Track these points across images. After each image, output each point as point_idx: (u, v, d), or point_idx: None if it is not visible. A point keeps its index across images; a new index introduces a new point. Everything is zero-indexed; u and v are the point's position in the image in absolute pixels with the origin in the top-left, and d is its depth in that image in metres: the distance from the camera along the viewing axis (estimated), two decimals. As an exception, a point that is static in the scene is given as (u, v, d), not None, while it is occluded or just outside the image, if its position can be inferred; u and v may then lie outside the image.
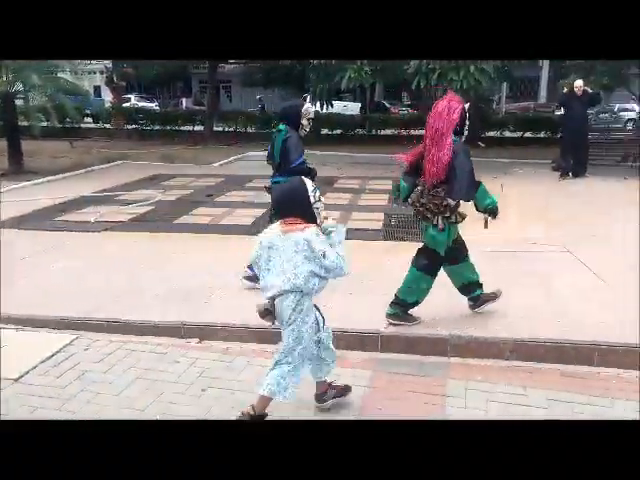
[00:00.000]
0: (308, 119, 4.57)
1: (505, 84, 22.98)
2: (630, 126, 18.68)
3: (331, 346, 3.09)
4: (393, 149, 15.80)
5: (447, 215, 3.78)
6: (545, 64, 26.88)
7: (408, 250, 4.33)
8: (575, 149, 10.68)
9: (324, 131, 18.80)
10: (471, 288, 4.08)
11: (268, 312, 2.86)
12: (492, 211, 3.85)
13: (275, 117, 16.32)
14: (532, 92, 32.05)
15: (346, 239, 2.96)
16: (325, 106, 15.29)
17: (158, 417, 3.18)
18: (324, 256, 2.74)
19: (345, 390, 3.21)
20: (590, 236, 6.28)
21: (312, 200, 2.84)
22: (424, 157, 3.77)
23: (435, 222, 3.79)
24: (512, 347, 3.74)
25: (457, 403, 3.22)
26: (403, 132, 18.31)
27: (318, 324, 2.99)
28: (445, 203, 3.74)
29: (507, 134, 18.24)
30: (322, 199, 2.91)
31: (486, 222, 3.92)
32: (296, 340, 2.86)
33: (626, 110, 22.24)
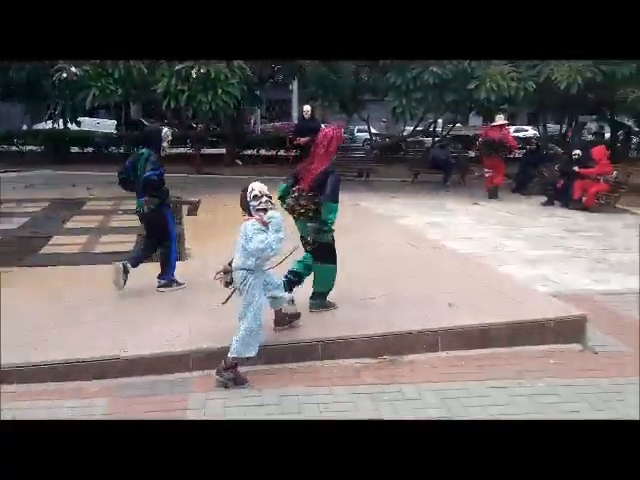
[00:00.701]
0: (168, 141, 5.17)
1: (261, 105, 24.27)
2: (365, 146, 21.28)
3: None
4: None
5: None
6: (294, 87, 29.04)
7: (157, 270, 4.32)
8: None
9: (74, 149, 17.54)
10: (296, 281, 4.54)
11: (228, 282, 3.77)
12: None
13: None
14: (286, 113, 34.44)
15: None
16: (71, 123, 14.31)
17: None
18: (250, 241, 3.55)
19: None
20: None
21: (249, 199, 3.70)
22: (304, 169, 4.46)
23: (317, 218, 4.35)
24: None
25: (196, 415, 3.33)
26: (162, 150, 18.05)
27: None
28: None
29: (263, 152, 19.28)
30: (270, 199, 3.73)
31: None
32: (246, 308, 3.65)
33: (362, 132, 25.28)
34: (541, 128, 18.26)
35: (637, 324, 4.91)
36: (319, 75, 12.50)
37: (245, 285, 3.65)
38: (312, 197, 4.35)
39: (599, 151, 11.22)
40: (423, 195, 12.62)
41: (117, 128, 23.68)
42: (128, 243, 7.01)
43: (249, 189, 3.74)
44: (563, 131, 17.70)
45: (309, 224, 4.36)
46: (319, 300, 4.64)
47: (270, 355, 3.99)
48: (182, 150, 17.84)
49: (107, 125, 24.60)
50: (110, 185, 12.40)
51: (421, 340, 4.19)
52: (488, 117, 18.17)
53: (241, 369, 3.76)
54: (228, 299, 3.84)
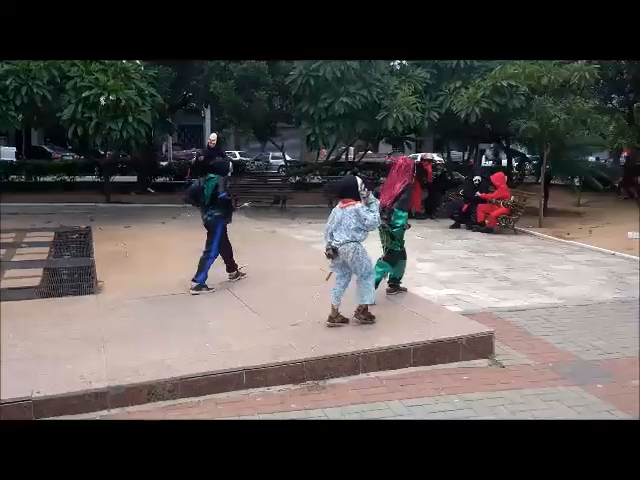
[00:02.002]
0: (231, 171, 6.92)
1: (173, 132, 23.89)
2: (281, 172, 21.52)
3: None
4: (55, 197, 14.94)
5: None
6: (207, 114, 28.91)
7: (64, 305, 4.14)
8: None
9: (-31, 178, 16.40)
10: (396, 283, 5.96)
11: (334, 254, 4.83)
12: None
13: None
14: (198, 140, 34.10)
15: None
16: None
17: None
18: (366, 219, 4.80)
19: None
20: (247, 272, 7.01)
21: (359, 189, 4.84)
22: (387, 190, 5.72)
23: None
24: (171, 387, 3.91)
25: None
26: (67, 179, 17.30)
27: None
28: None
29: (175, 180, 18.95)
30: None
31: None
32: (361, 267, 4.88)
33: (278, 158, 25.56)
34: (446, 155, 19.30)
35: (539, 338, 5.31)
36: (231, 103, 12.56)
37: (357, 253, 4.84)
38: (392, 211, 5.60)
39: (498, 177, 12.08)
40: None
41: (17, 155, 22.44)
42: (34, 278, 6.63)
43: (359, 181, 4.94)
44: (465, 158, 18.81)
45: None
46: (394, 285, 6.08)
47: (192, 387, 3.93)
48: (89, 179, 17.19)
49: (8, 152, 23.19)
50: (9, 216, 11.80)
51: (342, 364, 4.29)
52: (397, 145, 19.05)
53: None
54: (329, 276, 5.13)
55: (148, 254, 8.15)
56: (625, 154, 25.98)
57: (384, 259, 5.94)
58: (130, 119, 10.02)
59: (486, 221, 11.69)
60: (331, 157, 17.36)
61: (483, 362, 4.72)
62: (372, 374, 4.39)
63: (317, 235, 10.65)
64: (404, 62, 12.66)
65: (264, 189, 14.99)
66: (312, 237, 10.45)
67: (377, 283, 5.62)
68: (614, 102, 19.82)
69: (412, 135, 16.60)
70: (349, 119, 12.38)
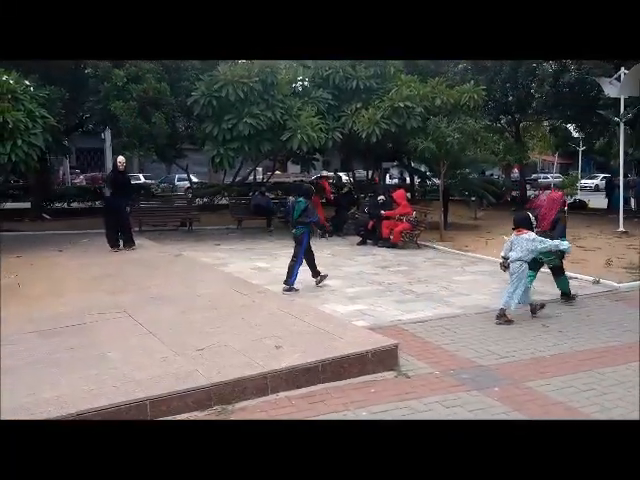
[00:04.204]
0: (314, 194, 8.58)
1: (70, 155, 22.77)
2: (188, 195, 21.10)
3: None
4: None
5: None
6: (107, 136, 27.83)
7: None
8: (118, 221, 10.77)
9: None
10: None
11: (506, 267, 6.47)
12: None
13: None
14: (99, 163, 32.73)
15: None
16: None
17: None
18: (542, 242, 6.37)
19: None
20: (149, 298, 6.77)
21: (531, 222, 6.60)
22: (543, 216, 7.17)
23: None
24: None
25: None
26: None
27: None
28: None
29: (75, 205, 18.04)
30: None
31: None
32: (519, 281, 6.34)
33: (184, 180, 25.03)
34: (351, 174, 19.82)
35: (441, 347, 5.53)
36: (131, 123, 12.19)
37: (522, 269, 6.34)
38: (547, 234, 6.82)
39: (399, 194, 12.56)
40: (247, 241, 12.85)
41: None
42: None
43: (532, 217, 6.65)
44: (370, 176, 19.43)
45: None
46: (566, 297, 7.27)
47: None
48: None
49: None
50: None
51: (250, 386, 4.22)
52: (304, 165, 19.32)
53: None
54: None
55: (42, 284, 7.65)
56: (515, 170, 28.03)
57: (554, 273, 7.31)
58: (19, 142, 9.45)
59: (391, 237, 12.08)
60: (238, 178, 17.26)
61: (390, 374, 4.84)
62: (281, 394, 4.36)
63: (224, 257, 10.56)
64: (306, 84, 12.90)
65: (169, 212, 14.61)
66: (219, 259, 10.32)
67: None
68: (502, 122, 21.36)
69: (317, 155, 16.90)
70: (254, 140, 12.41)
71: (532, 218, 6.63)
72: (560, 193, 7.94)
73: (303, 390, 4.40)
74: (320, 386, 4.51)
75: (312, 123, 12.31)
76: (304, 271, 9.12)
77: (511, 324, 6.28)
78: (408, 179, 21.44)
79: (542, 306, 6.71)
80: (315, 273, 8.09)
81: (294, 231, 7.93)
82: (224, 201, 18.79)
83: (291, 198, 12.29)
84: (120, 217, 10.72)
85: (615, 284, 8.10)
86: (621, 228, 13.35)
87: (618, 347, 5.60)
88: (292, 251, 7.76)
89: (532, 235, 6.40)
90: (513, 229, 6.59)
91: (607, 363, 5.11)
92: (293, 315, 5.88)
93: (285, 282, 7.71)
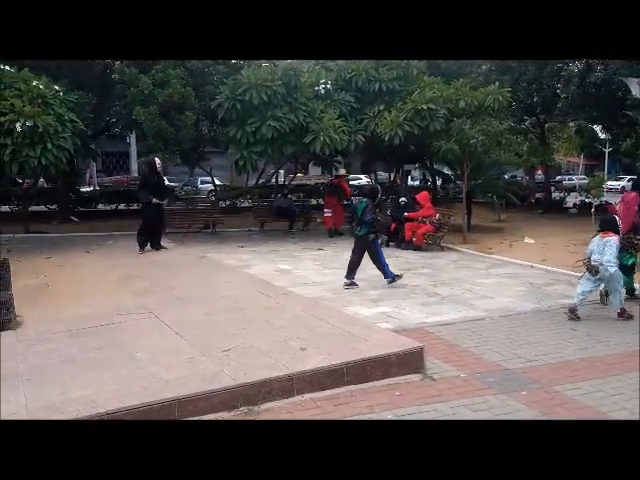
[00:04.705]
0: (380, 194, 8.87)
1: (97, 158, 23.18)
2: (211, 197, 21.31)
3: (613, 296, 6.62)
4: None
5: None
6: (132, 140, 28.29)
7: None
8: (151, 222, 10.99)
9: None
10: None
11: (596, 271, 6.40)
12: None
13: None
14: (124, 166, 33.26)
15: None
16: None
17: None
18: (612, 246, 6.39)
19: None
20: (175, 299, 6.86)
21: (618, 225, 6.66)
22: (625, 222, 7.16)
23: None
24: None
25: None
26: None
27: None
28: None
29: (101, 207, 18.34)
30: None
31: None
32: (615, 282, 6.47)
33: (207, 183, 25.27)
34: (372, 176, 19.79)
35: (467, 350, 5.49)
36: (155, 128, 12.36)
37: (616, 272, 6.42)
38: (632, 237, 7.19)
39: (422, 196, 12.49)
40: (270, 243, 12.91)
41: None
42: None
43: (618, 220, 6.75)
44: (392, 179, 19.39)
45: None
46: (631, 294, 7.43)
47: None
48: (5, 208, 16.29)
49: None
50: None
51: (276, 387, 4.25)
52: (326, 167, 19.35)
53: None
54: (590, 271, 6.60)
55: (71, 285, 7.80)
56: (539, 172, 27.65)
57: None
58: (49, 145, 9.64)
59: (413, 239, 12.02)
60: (260, 180, 17.36)
61: (415, 377, 4.82)
62: (307, 395, 4.37)
63: (247, 259, 10.63)
64: (329, 86, 12.92)
65: (193, 214, 14.75)
66: (242, 261, 10.39)
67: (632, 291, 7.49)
68: (526, 123, 21.10)
69: (339, 157, 16.91)
70: (277, 143, 12.46)
71: (619, 221, 6.72)
72: (634, 194, 8.02)
73: (328, 392, 4.42)
74: (345, 388, 4.51)
75: (335, 125, 12.32)
76: (332, 273, 9.14)
77: (632, 319, 6.53)
78: (430, 181, 21.32)
79: (630, 317, 6.62)
80: (350, 275, 8.19)
81: (357, 231, 8.21)
82: (247, 204, 18.91)
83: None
84: (156, 219, 10.98)
85: (644, 287, 7.94)
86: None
87: (648, 352, 5.49)
88: (314, 253, 7.79)
89: (614, 242, 6.44)
90: (599, 231, 6.73)
91: (636, 367, 5.02)
92: (317, 317, 5.90)
93: (385, 279, 8.18)
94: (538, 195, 23.17)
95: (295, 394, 4.32)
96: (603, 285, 6.82)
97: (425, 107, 12.44)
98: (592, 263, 6.50)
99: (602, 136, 25.82)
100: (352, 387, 4.55)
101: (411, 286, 8.35)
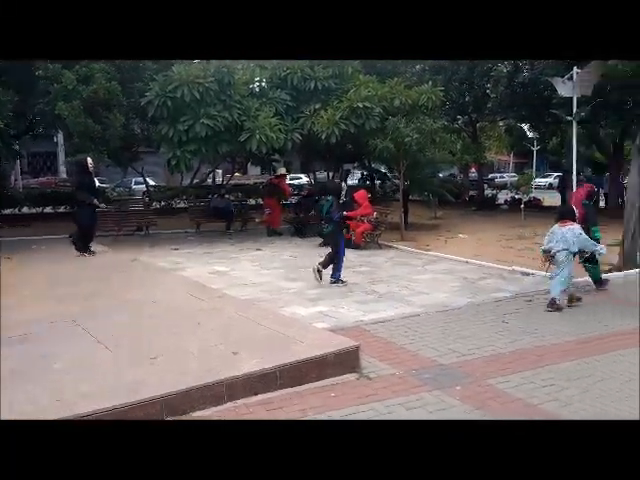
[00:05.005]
0: (343, 193, 8.62)
1: (21, 159, 21.97)
2: (144, 198, 20.63)
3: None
4: None
5: None
6: (60, 140, 27.02)
7: None
8: (87, 224, 10.55)
9: None
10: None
11: (552, 258, 6.81)
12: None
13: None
14: (52, 167, 31.70)
15: None
16: None
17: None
18: (586, 240, 6.84)
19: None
20: (101, 306, 6.49)
21: (575, 214, 7.08)
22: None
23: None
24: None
25: None
26: None
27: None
28: None
29: (25, 210, 17.37)
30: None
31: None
32: (565, 270, 6.71)
33: (141, 184, 24.46)
34: (312, 176, 19.73)
35: (403, 347, 5.47)
36: (81, 126, 11.76)
37: (567, 259, 6.75)
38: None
39: (360, 195, 12.51)
40: (206, 245, 12.58)
41: None
42: None
43: (576, 210, 7.20)
44: (330, 178, 19.39)
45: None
46: (599, 284, 7.75)
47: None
48: None
49: None
50: None
51: (205, 394, 4.04)
52: (264, 167, 19.14)
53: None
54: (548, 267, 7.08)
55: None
56: (473, 170, 28.47)
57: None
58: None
59: (352, 238, 12.02)
60: (195, 180, 16.93)
61: (351, 376, 4.74)
62: (239, 402, 4.19)
63: (181, 261, 10.30)
64: (263, 84, 12.75)
65: (125, 216, 14.18)
66: (176, 264, 10.05)
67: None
68: (459, 122, 21.65)
69: (277, 156, 16.75)
70: (211, 141, 12.16)
71: (575, 211, 7.14)
72: (585, 187, 8.52)
73: (260, 397, 4.25)
74: (279, 392, 4.36)
75: (270, 124, 12.15)
76: (270, 274, 8.99)
77: (561, 311, 6.68)
78: (369, 180, 21.49)
79: (579, 299, 7.03)
80: (324, 265, 8.22)
81: (325, 229, 8.43)
82: (182, 204, 18.42)
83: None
84: (93, 221, 10.60)
85: (571, 279, 8.23)
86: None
87: (574, 341, 5.65)
88: (252, 253, 7.59)
89: (578, 230, 6.85)
90: (557, 221, 7.04)
91: (564, 358, 5.14)
92: (252, 319, 5.72)
93: (331, 275, 8.18)
94: (472, 192, 23.82)
95: (226, 401, 4.13)
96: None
97: (361, 105, 12.47)
98: (552, 252, 6.83)
99: (530, 135, 26.88)
100: (286, 390, 4.41)
101: (349, 284, 8.30)
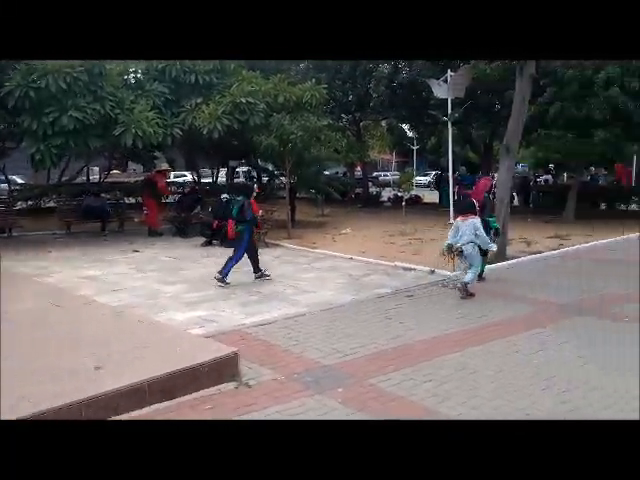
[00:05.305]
0: (255, 193, 8.83)
1: None
2: (9, 198, 18.74)
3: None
4: None
5: None
6: None
7: None
8: None
9: None
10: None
11: (460, 252, 7.19)
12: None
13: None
14: None
15: None
16: None
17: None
18: (482, 234, 7.21)
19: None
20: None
21: (476, 207, 7.44)
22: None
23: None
24: None
25: None
26: None
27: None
28: None
29: None
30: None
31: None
32: (474, 261, 7.23)
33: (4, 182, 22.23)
34: (195, 173, 19.04)
35: (287, 349, 5.28)
36: None
37: (474, 250, 7.10)
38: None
39: (246, 192, 12.16)
40: (78, 247, 11.61)
41: None
42: None
43: (476, 203, 7.45)
44: (216, 175, 18.85)
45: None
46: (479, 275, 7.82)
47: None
48: None
49: None
50: None
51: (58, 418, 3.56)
52: (145, 164, 18.15)
53: None
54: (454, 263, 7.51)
55: None
56: (359, 168, 29.15)
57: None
58: None
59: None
60: (64, 178, 15.63)
61: (230, 385, 4.45)
62: (102, 423, 3.76)
63: (47, 266, 9.38)
64: (139, 75, 12.00)
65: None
66: (41, 268, 9.12)
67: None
68: (344, 121, 21.99)
69: (156, 153, 15.95)
70: (81, 135, 11.21)
71: (476, 204, 7.45)
72: (484, 180, 9.02)
73: (125, 415, 3.84)
74: (148, 409, 3.97)
75: (147, 118, 11.45)
76: (147, 277, 8.43)
77: (473, 297, 7.10)
78: (256, 178, 21.19)
79: (471, 295, 7.18)
80: (256, 269, 8.25)
81: (236, 229, 8.27)
82: (53, 203, 16.94)
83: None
84: None
85: (448, 273, 8.52)
86: (451, 220, 14.32)
87: (451, 334, 5.78)
88: (129, 255, 7.02)
89: (478, 223, 7.18)
90: (459, 214, 7.43)
91: (443, 352, 5.22)
92: (122, 328, 5.24)
93: (219, 272, 7.91)
94: (358, 190, 24.34)
95: (86, 424, 3.68)
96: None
97: (244, 101, 12.15)
98: (457, 245, 7.15)
99: (410, 134, 28.03)
100: (158, 406, 4.03)
101: (232, 285, 7.98)
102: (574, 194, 15.85)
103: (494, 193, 9.14)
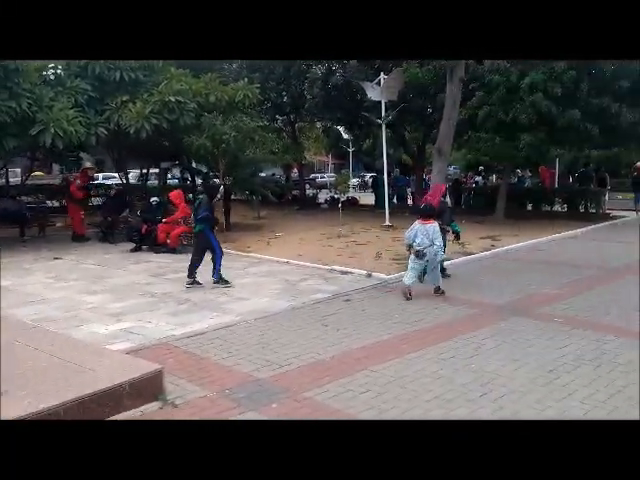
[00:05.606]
0: (221, 194, 9.73)
1: None
2: None
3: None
4: None
5: None
6: None
7: None
8: None
9: None
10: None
11: (422, 254, 7.18)
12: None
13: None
14: None
15: None
16: None
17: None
18: (438, 239, 7.27)
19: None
20: None
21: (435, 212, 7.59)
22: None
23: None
24: None
25: None
26: None
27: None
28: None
29: None
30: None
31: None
32: (435, 261, 7.41)
33: None
34: (124, 174, 18.22)
35: (217, 362, 4.98)
36: None
37: (438, 252, 7.27)
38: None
39: (175, 195, 11.68)
40: (-8, 255, 10.74)
41: None
42: None
43: (434, 206, 7.71)
44: (145, 176, 18.12)
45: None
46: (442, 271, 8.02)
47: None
48: None
49: None
50: None
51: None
52: (69, 165, 17.21)
53: None
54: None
55: None
56: (295, 170, 28.97)
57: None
58: None
59: (168, 241, 11.19)
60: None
61: (153, 406, 4.10)
62: None
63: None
64: (59, 72, 11.26)
65: None
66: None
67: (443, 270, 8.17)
68: (279, 122, 21.72)
69: (81, 153, 15.11)
70: (-6, 134, 10.41)
71: (435, 209, 7.60)
72: (439, 187, 8.98)
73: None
74: (60, 437, 3.57)
75: (68, 116, 10.76)
76: (67, 287, 7.89)
77: (444, 294, 7.40)
78: (190, 179, 20.54)
79: (410, 295, 7.26)
80: (191, 274, 8.02)
81: (194, 229, 8.30)
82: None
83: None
84: None
85: (385, 276, 8.45)
86: (387, 222, 14.37)
87: (389, 340, 5.65)
88: (49, 263, 6.44)
89: (437, 228, 7.28)
90: (419, 218, 7.38)
91: (381, 359, 5.07)
92: (33, 346, 4.75)
93: (213, 276, 8.02)
94: (294, 192, 24.13)
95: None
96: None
97: (173, 99, 11.67)
98: (417, 248, 7.22)
99: (346, 136, 28.09)
100: (71, 433, 3.64)
101: (161, 294, 7.57)
102: (503, 195, 16.27)
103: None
